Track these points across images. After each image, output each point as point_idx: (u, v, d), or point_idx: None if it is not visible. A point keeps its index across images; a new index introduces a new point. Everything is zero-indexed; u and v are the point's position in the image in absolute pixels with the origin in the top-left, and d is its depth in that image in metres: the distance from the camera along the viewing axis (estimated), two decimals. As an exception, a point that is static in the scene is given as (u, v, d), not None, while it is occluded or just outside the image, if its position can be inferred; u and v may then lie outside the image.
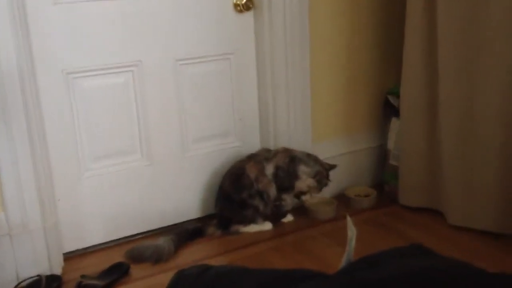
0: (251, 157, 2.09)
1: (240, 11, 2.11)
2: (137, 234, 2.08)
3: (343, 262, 1.19)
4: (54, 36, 1.82)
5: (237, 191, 2.03)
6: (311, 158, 2.08)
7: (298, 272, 1.12)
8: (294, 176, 2.05)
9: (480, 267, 1.05)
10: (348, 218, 1.23)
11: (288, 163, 2.05)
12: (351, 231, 1.21)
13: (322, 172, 2.06)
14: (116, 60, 1.94)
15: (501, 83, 1.82)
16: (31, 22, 1.76)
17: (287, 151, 2.10)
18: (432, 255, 1.14)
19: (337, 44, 2.26)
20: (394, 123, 2.26)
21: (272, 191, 2.05)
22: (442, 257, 1.13)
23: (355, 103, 2.36)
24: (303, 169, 2.04)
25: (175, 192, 2.13)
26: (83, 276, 1.75)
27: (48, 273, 1.79)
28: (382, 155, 2.38)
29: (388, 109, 2.32)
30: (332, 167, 2.11)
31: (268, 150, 2.13)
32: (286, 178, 2.04)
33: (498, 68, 1.82)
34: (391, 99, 2.28)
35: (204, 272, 1.18)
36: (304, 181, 2.05)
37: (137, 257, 1.90)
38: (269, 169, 2.04)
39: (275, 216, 2.11)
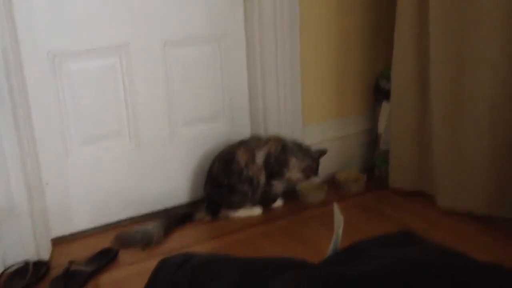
0: (241, 143, 2.07)
1: (230, -8, 2.08)
2: (126, 219, 2.06)
3: (329, 251, 1.18)
4: (40, 18, 1.78)
5: (226, 176, 2.01)
6: (302, 150, 2.07)
7: (281, 261, 1.10)
8: (285, 165, 2.03)
9: (471, 256, 1.04)
10: (335, 206, 1.22)
11: (280, 152, 2.03)
12: (338, 219, 1.20)
13: (312, 166, 2.05)
14: (103, 42, 1.90)
15: (491, 66, 1.81)
16: (16, 3, 1.71)
17: (279, 140, 2.08)
18: (420, 242, 1.13)
19: (327, 27, 2.23)
20: (385, 107, 2.25)
21: (262, 178, 2.04)
22: (430, 245, 1.12)
23: (346, 86, 2.34)
24: (293, 162, 2.03)
25: (164, 176, 2.11)
26: (71, 262, 1.72)
27: (36, 258, 1.77)
28: (372, 139, 2.37)
29: (378, 92, 2.31)
30: (322, 153, 2.10)
31: (259, 138, 2.11)
32: (276, 166, 2.03)
33: (489, 51, 1.81)
34: (382, 82, 2.27)
35: (186, 261, 1.16)
36: (294, 174, 2.05)
37: (126, 242, 1.88)
38: (260, 157, 2.03)
39: (265, 201, 2.10)
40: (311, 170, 2.05)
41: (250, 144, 2.06)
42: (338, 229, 1.20)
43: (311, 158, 2.06)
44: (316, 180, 2.13)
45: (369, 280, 0.95)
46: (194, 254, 1.26)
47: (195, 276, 1.12)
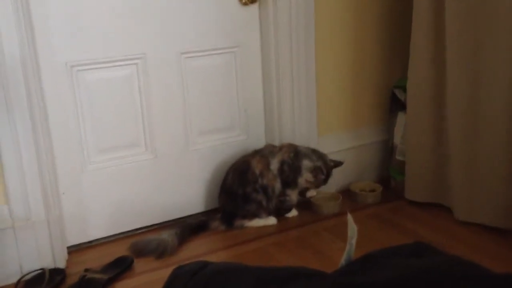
0: (256, 152, 2.08)
1: (245, 4, 2.09)
2: (141, 228, 2.07)
3: (342, 261, 1.17)
4: (58, 29, 1.81)
5: (241, 186, 2.02)
6: (316, 154, 2.07)
7: (296, 270, 1.10)
8: (298, 171, 2.03)
9: (487, 268, 1.03)
10: (349, 216, 1.21)
11: (293, 158, 2.04)
12: (352, 230, 1.19)
13: (322, 168, 2.04)
14: (120, 52, 1.92)
15: (508, 77, 1.79)
16: (34, 15, 1.75)
17: (292, 146, 2.08)
18: (436, 253, 1.12)
19: (343, 37, 2.23)
20: (401, 117, 2.24)
21: (277, 186, 2.04)
22: (447, 256, 1.11)
23: (361, 97, 2.34)
24: (305, 164, 2.03)
25: (179, 186, 2.12)
26: (86, 270, 1.75)
27: (52, 266, 1.79)
28: (388, 149, 2.36)
29: (394, 103, 2.30)
30: (338, 164, 2.10)
31: (273, 146, 2.12)
32: (290, 173, 2.03)
33: (506, 62, 1.79)
34: (398, 93, 2.26)
35: (201, 269, 1.17)
36: (303, 175, 2.04)
37: (141, 251, 1.89)
38: (274, 164, 2.03)
39: (279, 211, 2.10)
40: (320, 171, 2.04)
41: (264, 152, 2.07)
42: (352, 239, 1.19)
43: (324, 163, 2.05)
44: (330, 189, 2.11)
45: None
46: (209, 262, 1.26)
47: (209, 284, 1.13)
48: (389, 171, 2.34)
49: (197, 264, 1.22)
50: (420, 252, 1.12)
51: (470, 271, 1.00)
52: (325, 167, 2.05)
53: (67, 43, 1.83)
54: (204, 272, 1.16)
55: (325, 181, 2.07)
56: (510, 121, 1.82)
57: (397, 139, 2.27)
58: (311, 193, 2.11)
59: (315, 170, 2.03)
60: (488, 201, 1.91)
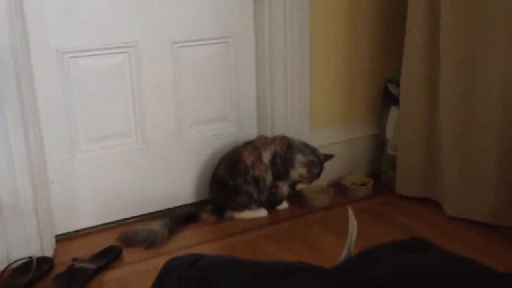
0: (248, 143, 2.07)
1: (240, -6, 2.08)
2: (130, 218, 2.06)
3: (342, 256, 1.17)
4: (49, 15, 1.78)
5: (232, 177, 2.01)
6: (308, 148, 2.06)
7: (291, 265, 1.10)
8: (290, 164, 2.03)
9: (484, 264, 1.02)
10: (350, 211, 1.21)
11: (286, 150, 2.03)
12: (352, 224, 1.18)
13: (315, 162, 2.04)
14: (112, 40, 1.90)
15: (502, 74, 1.80)
16: (26, 0, 1.72)
17: (284, 138, 2.08)
18: (432, 249, 1.12)
19: (337, 31, 2.22)
20: (393, 112, 2.24)
21: (268, 178, 2.03)
22: (443, 252, 1.10)
23: (354, 91, 2.33)
24: (299, 158, 2.03)
25: (170, 176, 2.11)
26: (74, 259, 1.73)
27: (40, 255, 1.78)
28: (379, 144, 2.36)
29: (387, 97, 2.29)
30: (329, 157, 2.09)
31: (266, 137, 2.11)
32: (282, 166, 2.03)
33: (501, 59, 1.79)
34: (391, 87, 2.26)
35: (195, 262, 1.16)
36: (297, 169, 2.03)
37: (130, 241, 1.88)
38: (267, 156, 2.02)
39: (270, 203, 2.10)
40: (314, 165, 2.04)
41: (256, 144, 2.06)
42: (352, 234, 1.19)
43: (317, 157, 2.05)
44: (321, 182, 2.12)
45: (380, 286, 0.94)
46: (203, 255, 1.25)
47: (204, 277, 1.12)
48: (380, 165, 2.34)
49: (191, 256, 1.21)
50: (416, 248, 1.12)
51: (471, 267, 1.00)
52: (318, 161, 2.05)
53: (58, 29, 1.81)
54: (199, 265, 1.15)
55: (318, 175, 2.06)
56: (502, 118, 1.82)
57: (389, 134, 2.27)
58: (301, 185, 2.10)
59: (309, 165, 2.03)
60: (478, 197, 1.92)
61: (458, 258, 1.05)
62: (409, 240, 1.18)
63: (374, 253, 1.09)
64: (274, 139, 2.08)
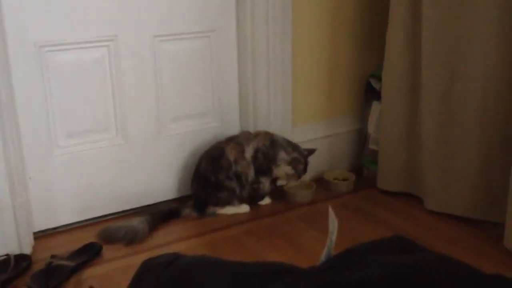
0: (231, 139, 2.06)
1: (221, -12, 2.06)
2: (110, 214, 2.03)
3: (322, 257, 1.16)
4: (27, 8, 1.75)
5: (214, 173, 2.00)
6: (290, 145, 2.06)
7: (274, 267, 1.08)
8: (273, 161, 2.02)
9: (469, 265, 1.02)
10: (330, 211, 1.19)
11: (268, 147, 2.02)
12: (333, 224, 1.17)
13: (299, 159, 2.04)
14: (91, 34, 1.87)
15: (483, 69, 1.80)
16: (2, -8, 1.68)
17: (268, 134, 2.07)
18: (415, 249, 1.11)
19: (319, 26, 2.22)
20: (375, 106, 2.24)
21: (251, 174, 2.02)
22: (426, 252, 1.10)
23: (336, 86, 2.33)
24: (282, 156, 2.02)
25: (151, 172, 2.08)
26: (53, 256, 1.70)
27: (18, 252, 1.74)
28: (361, 139, 2.36)
29: (369, 92, 2.29)
30: (311, 152, 2.09)
31: (249, 133, 2.10)
32: (265, 162, 2.02)
33: (482, 54, 1.80)
34: (373, 82, 2.26)
35: (173, 262, 1.14)
36: (282, 168, 2.03)
37: (110, 238, 1.85)
38: (249, 152, 2.01)
39: (252, 199, 2.09)
40: (299, 163, 2.03)
41: (239, 139, 2.04)
42: (332, 234, 1.18)
43: (300, 153, 2.05)
44: (304, 178, 2.11)
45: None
46: (181, 255, 1.23)
47: (184, 277, 1.10)
48: (362, 160, 2.34)
49: (168, 257, 1.19)
50: (400, 247, 1.11)
51: (455, 269, 1.00)
52: (302, 157, 2.04)
53: (36, 22, 1.77)
54: (177, 265, 1.13)
55: (304, 170, 2.06)
56: (483, 114, 1.83)
57: (371, 128, 2.27)
58: (280, 181, 2.09)
59: (294, 162, 2.03)
60: (459, 192, 1.93)
61: (443, 258, 1.05)
62: (392, 239, 1.18)
63: (357, 253, 1.08)
64: (257, 135, 2.06)
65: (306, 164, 2.07)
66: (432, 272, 0.95)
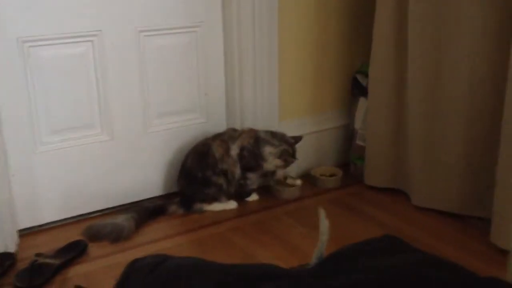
0: (217, 136, 2.04)
1: (207, -18, 2.04)
2: (96, 211, 2.01)
3: (313, 258, 1.15)
4: (9, 2, 1.71)
5: (201, 169, 1.98)
6: (277, 137, 2.05)
7: (264, 270, 1.07)
8: (260, 157, 2.01)
9: (466, 268, 1.01)
10: (321, 212, 1.18)
11: (253, 144, 2.01)
12: (323, 226, 1.16)
13: (288, 150, 2.03)
14: (75, 28, 1.84)
15: (470, 64, 1.81)
16: (-17, -14, 1.65)
17: (251, 131, 2.05)
18: (406, 249, 1.11)
19: (305, 21, 2.21)
20: (362, 102, 2.24)
21: (237, 171, 2.01)
22: (417, 253, 1.10)
23: (323, 81, 2.33)
24: (268, 150, 2.01)
25: (136, 169, 2.06)
26: (38, 254, 1.68)
27: (2, 250, 1.72)
28: (348, 134, 2.36)
29: (356, 88, 2.29)
30: (298, 139, 2.08)
31: (234, 130, 2.09)
32: (251, 159, 2.01)
33: (468, 48, 1.80)
34: (360, 78, 2.26)
35: (160, 264, 1.12)
36: (271, 162, 2.02)
37: (95, 235, 1.84)
38: (234, 150, 2.00)
39: (240, 195, 2.08)
40: (288, 154, 2.03)
41: (224, 137, 2.03)
42: (323, 235, 1.17)
43: (287, 143, 2.04)
44: (290, 173, 2.11)
45: None
46: (168, 256, 1.21)
47: (170, 281, 1.08)
48: (349, 156, 2.34)
49: (155, 258, 1.18)
50: (391, 248, 1.10)
51: (446, 271, 0.99)
52: (290, 147, 2.03)
53: (19, 17, 1.74)
54: (164, 267, 1.11)
55: (293, 157, 2.05)
56: (469, 110, 1.84)
57: (357, 124, 2.27)
58: (279, 175, 2.09)
59: (283, 155, 2.02)
60: (445, 187, 1.94)
61: (434, 260, 1.04)
62: (383, 239, 1.17)
63: (346, 256, 1.07)
64: (242, 133, 2.05)
65: (294, 152, 2.06)
66: (424, 276, 0.95)
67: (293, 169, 2.16)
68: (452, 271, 1.00)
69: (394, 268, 0.99)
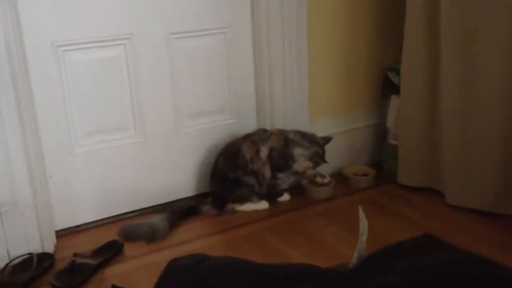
0: (247, 137, 2.05)
1: (237, -17, 2.05)
2: (131, 212, 2.04)
3: (354, 259, 1.14)
4: (43, 8, 1.75)
5: (232, 170, 1.99)
6: (307, 138, 2.04)
7: (300, 270, 1.07)
8: (290, 158, 2.01)
9: (502, 264, 0.99)
10: (360, 211, 1.18)
11: (283, 146, 2.01)
12: (363, 225, 1.15)
13: (318, 152, 2.02)
14: (107, 32, 1.87)
15: (504, 59, 1.77)
16: (19, -7, 1.69)
17: (281, 133, 2.05)
18: (444, 248, 1.09)
19: (335, 19, 2.19)
20: (394, 100, 2.22)
21: (267, 172, 2.01)
22: (456, 252, 1.08)
23: (354, 80, 2.31)
24: (299, 152, 2.01)
25: (169, 170, 2.09)
26: (76, 254, 1.71)
27: (40, 251, 1.76)
28: (381, 133, 2.34)
29: (387, 86, 2.27)
30: (328, 140, 2.07)
31: (264, 131, 2.09)
32: (281, 160, 2.01)
33: (502, 44, 1.77)
34: (391, 75, 2.23)
35: (198, 264, 1.13)
36: (301, 164, 2.02)
37: (131, 236, 1.86)
38: (264, 151, 2.01)
39: (271, 195, 2.08)
40: (319, 156, 2.03)
41: (254, 138, 2.04)
42: (363, 235, 1.15)
43: (317, 144, 2.04)
44: (325, 165, 2.09)
45: None
46: (207, 256, 1.22)
47: (207, 280, 1.09)
48: (381, 155, 2.32)
49: (194, 258, 1.19)
50: (428, 248, 1.09)
51: (486, 270, 0.98)
52: (320, 149, 2.03)
53: (53, 22, 1.78)
54: (202, 268, 1.12)
55: (323, 158, 2.05)
56: (505, 107, 1.80)
57: (390, 123, 2.25)
58: (309, 173, 2.10)
59: (313, 157, 2.01)
60: (479, 186, 1.91)
61: (475, 258, 1.03)
62: (421, 238, 1.16)
63: (386, 256, 1.06)
64: (271, 134, 2.05)
65: (323, 152, 2.05)
66: (461, 275, 0.94)
67: (325, 168, 2.15)
68: (491, 268, 0.99)
69: (430, 268, 0.97)
